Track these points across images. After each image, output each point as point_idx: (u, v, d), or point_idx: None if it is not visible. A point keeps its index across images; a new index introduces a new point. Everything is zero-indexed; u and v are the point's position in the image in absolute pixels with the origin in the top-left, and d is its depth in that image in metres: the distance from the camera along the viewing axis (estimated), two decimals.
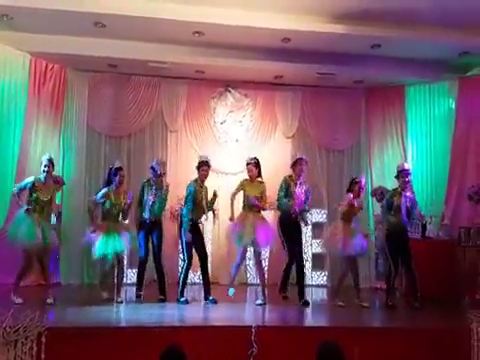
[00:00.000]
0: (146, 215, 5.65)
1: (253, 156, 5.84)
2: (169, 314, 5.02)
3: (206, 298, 5.62)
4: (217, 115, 7.65)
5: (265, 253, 7.18)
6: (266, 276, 7.15)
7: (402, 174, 5.71)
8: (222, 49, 6.48)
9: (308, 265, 7.27)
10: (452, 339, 4.18)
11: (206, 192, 5.75)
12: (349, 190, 5.78)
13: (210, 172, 6.88)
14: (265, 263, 7.20)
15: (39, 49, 6.33)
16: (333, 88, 7.61)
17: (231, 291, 5.69)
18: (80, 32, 6.10)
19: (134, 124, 7.35)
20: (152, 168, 5.71)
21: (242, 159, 7.41)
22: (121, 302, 5.46)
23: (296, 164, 5.77)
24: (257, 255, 5.78)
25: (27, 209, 5.14)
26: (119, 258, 5.61)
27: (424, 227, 6.60)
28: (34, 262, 5.31)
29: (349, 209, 5.66)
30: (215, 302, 5.55)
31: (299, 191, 5.69)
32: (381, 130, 7.62)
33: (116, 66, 6.96)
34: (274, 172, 6.79)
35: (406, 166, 5.87)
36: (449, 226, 6.55)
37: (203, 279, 5.73)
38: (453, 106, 7.08)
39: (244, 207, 5.69)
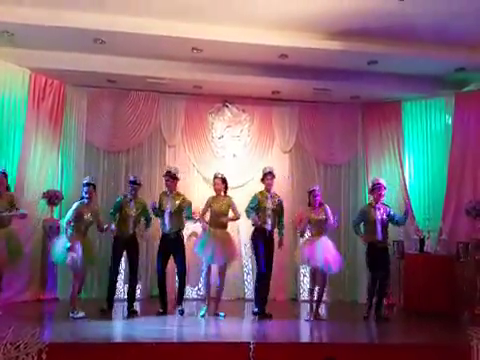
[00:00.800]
0: (130, 230, 5.81)
1: (221, 172, 6.04)
2: (167, 330, 4.99)
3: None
4: (215, 130, 7.68)
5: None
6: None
7: (376, 188, 5.86)
8: (220, 65, 6.55)
9: (305, 280, 7.23)
10: (452, 356, 4.16)
11: (184, 203, 5.87)
12: (309, 203, 5.92)
13: (207, 187, 6.91)
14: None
15: (39, 65, 6.38)
16: (330, 103, 7.67)
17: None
18: (80, 48, 6.16)
19: (132, 139, 7.37)
20: (133, 182, 5.85)
21: (240, 174, 7.51)
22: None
23: (264, 179, 5.94)
24: (220, 269, 5.89)
25: None
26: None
27: (422, 242, 6.61)
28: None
29: (314, 222, 5.79)
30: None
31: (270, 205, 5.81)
32: (378, 145, 7.65)
33: (115, 82, 7.00)
34: None
35: (380, 180, 6.02)
36: (447, 241, 6.54)
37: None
38: (450, 121, 7.11)
39: (210, 223, 5.83)
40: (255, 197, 5.91)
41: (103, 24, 5.59)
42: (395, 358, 4.21)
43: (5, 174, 5.56)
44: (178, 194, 5.98)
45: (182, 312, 5.71)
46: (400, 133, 7.48)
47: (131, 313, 5.68)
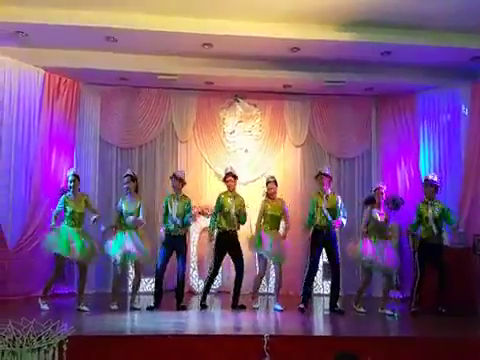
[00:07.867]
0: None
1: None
2: (183, 323, 5.07)
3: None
4: (226, 125, 7.69)
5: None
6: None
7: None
8: (231, 60, 6.55)
9: (319, 274, 7.19)
10: (469, 349, 4.12)
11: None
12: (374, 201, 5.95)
13: (219, 182, 6.92)
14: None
15: (53, 64, 6.48)
16: (343, 96, 7.58)
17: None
18: (92, 47, 6.24)
19: (145, 136, 7.45)
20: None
21: (252, 169, 7.51)
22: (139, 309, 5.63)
23: (316, 178, 6.01)
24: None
25: None
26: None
27: None
28: None
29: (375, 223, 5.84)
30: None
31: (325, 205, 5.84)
32: (392, 138, 7.55)
33: (127, 79, 7.07)
34: (284, 181, 6.79)
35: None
36: (464, 234, 6.44)
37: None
38: (466, 112, 6.98)
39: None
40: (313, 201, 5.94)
41: (115, 22, 5.64)
42: (411, 351, 4.17)
43: (77, 176, 5.79)
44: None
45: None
46: (415, 125, 7.37)
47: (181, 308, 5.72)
